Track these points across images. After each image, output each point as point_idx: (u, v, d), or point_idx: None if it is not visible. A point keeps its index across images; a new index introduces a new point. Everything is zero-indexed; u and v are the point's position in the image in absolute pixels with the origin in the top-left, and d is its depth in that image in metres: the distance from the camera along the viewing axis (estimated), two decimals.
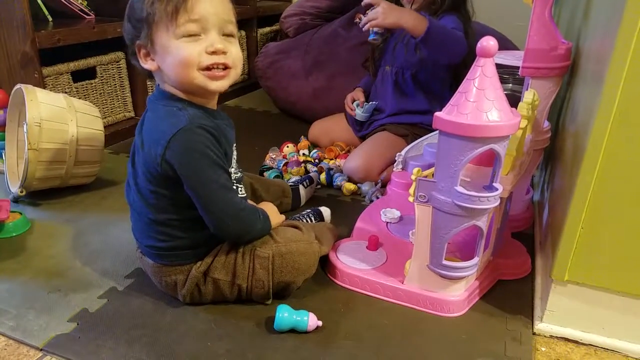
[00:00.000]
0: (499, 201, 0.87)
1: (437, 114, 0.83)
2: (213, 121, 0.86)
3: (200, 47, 0.81)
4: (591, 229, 0.82)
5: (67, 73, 1.65)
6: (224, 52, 0.83)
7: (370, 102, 1.63)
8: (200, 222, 0.88)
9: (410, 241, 1.08)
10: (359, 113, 1.62)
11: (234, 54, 0.85)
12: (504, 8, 2.08)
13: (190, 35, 0.81)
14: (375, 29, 1.40)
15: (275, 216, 0.99)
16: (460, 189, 0.84)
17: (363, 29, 1.41)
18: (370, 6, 1.40)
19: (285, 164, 1.53)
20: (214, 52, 0.82)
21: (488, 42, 0.80)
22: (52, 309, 0.94)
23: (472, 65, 0.82)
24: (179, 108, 0.84)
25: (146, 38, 0.83)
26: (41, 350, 0.85)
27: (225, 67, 0.84)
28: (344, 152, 1.66)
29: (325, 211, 1.26)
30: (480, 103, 0.80)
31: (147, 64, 0.85)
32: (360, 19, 1.99)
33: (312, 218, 1.23)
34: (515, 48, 1.84)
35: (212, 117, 0.87)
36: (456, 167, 0.83)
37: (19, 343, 0.87)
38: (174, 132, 0.81)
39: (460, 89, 0.83)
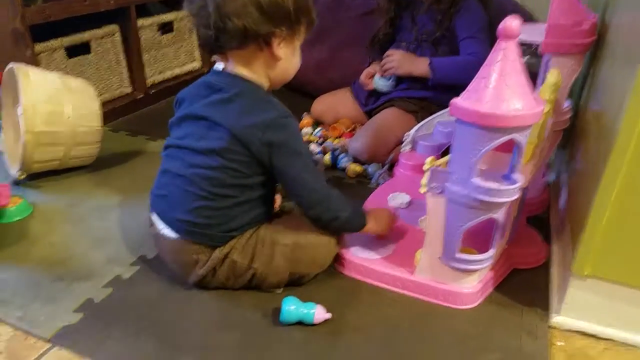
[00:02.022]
0: (519, 193, 0.82)
1: (454, 100, 0.78)
2: None
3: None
4: (617, 221, 0.78)
5: (62, 48, 1.59)
6: None
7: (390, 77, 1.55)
8: (251, 205, 0.90)
9: (420, 228, 1.05)
10: (383, 83, 1.53)
11: None
12: None
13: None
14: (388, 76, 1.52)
15: (380, 222, 0.99)
16: (477, 181, 0.79)
17: (378, 75, 1.53)
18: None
19: None
20: None
21: (511, 23, 0.73)
22: (56, 298, 0.93)
23: (493, 48, 0.76)
24: (267, 96, 0.90)
25: (292, 30, 0.87)
26: (49, 341, 0.84)
27: None
28: (349, 130, 1.60)
29: None
30: (501, 90, 0.74)
31: (279, 52, 0.87)
32: None
33: None
34: (532, 19, 1.75)
35: None
36: (474, 157, 0.78)
37: (26, 334, 0.86)
38: (276, 116, 0.85)
39: (479, 73, 0.77)
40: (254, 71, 0.89)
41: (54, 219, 1.17)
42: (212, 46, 0.86)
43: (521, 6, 1.70)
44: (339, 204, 0.92)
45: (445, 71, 1.42)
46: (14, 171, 1.29)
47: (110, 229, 1.13)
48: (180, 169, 0.89)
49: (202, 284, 0.93)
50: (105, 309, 0.90)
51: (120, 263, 1.02)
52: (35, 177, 1.32)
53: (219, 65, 0.92)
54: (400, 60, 1.47)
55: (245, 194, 0.89)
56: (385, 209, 1.05)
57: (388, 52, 1.50)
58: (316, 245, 0.93)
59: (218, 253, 0.90)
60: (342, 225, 0.94)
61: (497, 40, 0.75)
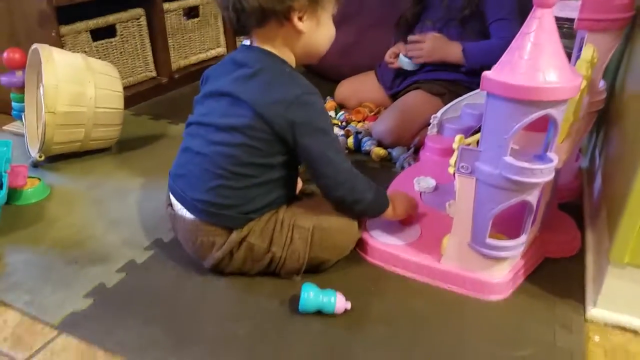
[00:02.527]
0: (553, 174, 0.77)
1: (485, 73, 0.73)
2: None
3: (334, 29, 0.91)
4: None
5: (86, 31, 1.59)
6: None
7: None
8: (271, 187, 0.88)
9: (447, 213, 1.00)
10: (408, 61, 1.47)
11: None
12: None
13: (331, 18, 0.89)
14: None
15: (398, 206, 0.95)
16: (509, 159, 0.74)
17: (403, 53, 1.47)
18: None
19: None
20: None
21: None
22: (68, 282, 0.90)
23: (528, 17, 0.70)
24: (293, 71, 0.87)
25: (313, 2, 0.84)
26: (56, 328, 0.81)
27: None
28: (373, 113, 1.56)
29: None
30: (536, 61, 0.69)
31: (300, 25, 0.85)
32: None
33: None
34: None
35: None
36: (506, 135, 0.73)
37: (34, 319, 0.83)
38: (300, 93, 0.83)
39: (513, 44, 0.72)
40: (278, 47, 0.87)
41: (71, 201, 1.16)
42: (235, 27, 0.87)
43: None
44: (364, 184, 0.89)
45: (478, 57, 1.37)
46: (34, 153, 1.29)
47: (128, 211, 1.11)
48: (200, 147, 0.87)
49: (218, 269, 0.90)
50: (116, 295, 0.88)
51: (135, 246, 1.00)
52: (55, 159, 1.32)
53: (246, 42, 0.90)
54: (431, 49, 1.42)
55: (266, 174, 0.87)
56: (404, 192, 1.01)
57: (417, 37, 1.44)
58: (337, 229, 0.90)
59: (235, 236, 0.87)
60: (365, 208, 0.90)
61: (532, 9, 0.70)
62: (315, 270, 0.91)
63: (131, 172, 1.29)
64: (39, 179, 1.19)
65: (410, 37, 1.46)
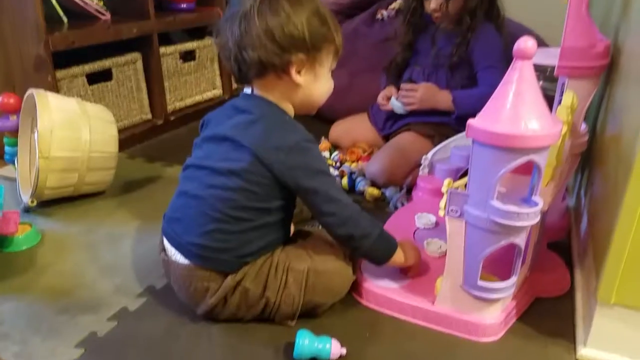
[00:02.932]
0: (539, 217, 0.79)
1: (470, 121, 0.76)
2: None
3: (331, 85, 0.95)
4: None
5: (82, 75, 1.61)
6: None
7: None
8: (267, 230, 0.89)
9: (426, 251, 1.03)
10: (400, 105, 1.51)
11: None
12: (532, 3, 1.97)
13: (329, 72, 0.93)
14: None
15: (409, 253, 0.95)
16: (496, 203, 0.76)
17: (395, 97, 1.51)
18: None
19: None
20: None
21: (526, 43, 0.72)
22: (59, 332, 0.90)
23: (509, 68, 0.74)
24: (291, 120, 0.90)
25: (310, 56, 0.87)
26: None
27: None
28: (366, 154, 1.59)
29: None
30: (518, 110, 0.72)
31: (298, 78, 0.88)
32: (382, 15, 1.91)
33: None
34: (544, 44, 1.73)
35: None
36: (492, 179, 0.75)
37: None
38: (299, 140, 0.86)
39: (495, 94, 0.75)
40: (277, 97, 0.90)
41: (63, 247, 1.16)
42: (236, 77, 0.91)
43: (533, 32, 1.69)
44: (369, 220, 0.90)
45: (468, 105, 1.41)
46: (26, 198, 1.29)
47: (120, 257, 1.11)
48: (198, 190, 0.88)
49: (212, 315, 0.90)
50: (108, 344, 0.87)
51: (127, 293, 0.99)
52: (47, 203, 1.31)
53: (248, 90, 0.94)
54: (423, 98, 1.47)
55: (262, 218, 0.88)
56: (410, 240, 1.02)
57: (410, 86, 1.49)
58: (332, 272, 0.90)
59: (230, 280, 0.87)
60: (373, 245, 0.89)
61: (513, 60, 0.74)
62: (309, 314, 0.91)
63: (124, 216, 1.29)
64: (31, 224, 1.19)
65: (404, 85, 1.50)
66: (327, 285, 0.90)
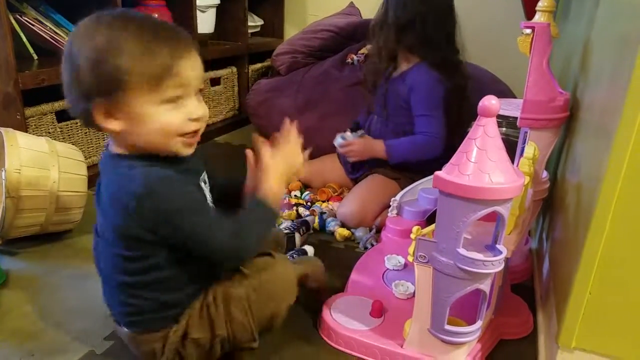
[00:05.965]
0: (503, 264, 0.83)
1: (437, 173, 0.79)
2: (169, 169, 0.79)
3: (182, 115, 0.77)
4: (600, 293, 0.78)
5: (52, 113, 1.60)
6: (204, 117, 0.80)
7: (358, 132, 1.59)
8: (169, 283, 0.82)
9: (394, 293, 1.06)
10: (339, 141, 1.55)
11: (207, 113, 0.81)
12: (495, 48, 2.08)
13: (170, 102, 0.76)
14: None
15: (276, 186, 0.85)
16: (463, 251, 0.80)
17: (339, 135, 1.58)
18: None
19: None
20: (196, 120, 0.79)
21: (490, 102, 0.77)
22: None
23: (474, 124, 0.78)
24: (131, 167, 0.77)
25: (112, 98, 0.74)
26: None
27: (197, 131, 0.81)
28: (336, 193, 1.62)
29: (310, 250, 1.23)
30: (482, 164, 0.76)
31: (111, 125, 0.76)
32: (352, 59, 1.98)
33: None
34: (508, 90, 1.83)
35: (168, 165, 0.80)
36: (458, 228, 0.79)
37: None
38: (139, 187, 0.74)
39: (461, 148, 0.79)
40: (116, 144, 0.81)
41: (28, 287, 1.13)
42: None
43: (498, 79, 1.78)
44: (248, 221, 0.82)
45: (400, 153, 1.49)
46: None
47: (86, 299, 1.09)
48: (104, 264, 0.86)
49: None
50: None
51: (94, 336, 0.98)
52: (13, 242, 1.28)
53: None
54: (360, 150, 1.54)
55: (154, 273, 0.81)
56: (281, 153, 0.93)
57: (346, 142, 1.54)
58: (272, 281, 0.86)
59: (172, 336, 0.83)
60: (268, 228, 0.86)
61: (477, 117, 0.78)
62: (269, 327, 0.88)
63: (90, 256, 1.25)
64: None
65: (340, 143, 1.55)
66: (270, 295, 0.85)
